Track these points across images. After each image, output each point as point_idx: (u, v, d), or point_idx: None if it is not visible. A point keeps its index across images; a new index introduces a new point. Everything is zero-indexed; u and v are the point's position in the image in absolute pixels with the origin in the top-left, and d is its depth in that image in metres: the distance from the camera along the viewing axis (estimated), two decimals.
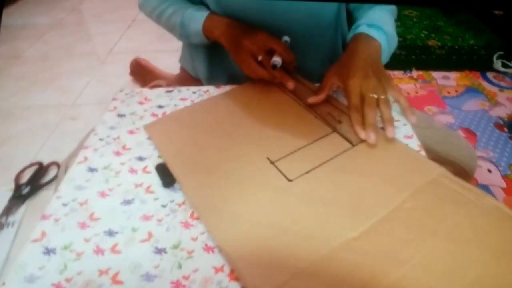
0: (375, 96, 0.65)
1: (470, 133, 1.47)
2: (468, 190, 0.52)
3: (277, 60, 0.71)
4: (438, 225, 0.49)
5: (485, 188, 1.25)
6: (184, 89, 0.79)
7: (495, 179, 1.29)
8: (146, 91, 0.79)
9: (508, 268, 0.44)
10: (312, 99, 0.71)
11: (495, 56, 1.85)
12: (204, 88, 0.79)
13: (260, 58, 0.72)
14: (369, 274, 0.44)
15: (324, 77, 0.73)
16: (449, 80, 1.77)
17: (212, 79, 0.91)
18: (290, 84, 0.73)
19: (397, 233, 0.48)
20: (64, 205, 0.55)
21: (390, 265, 0.45)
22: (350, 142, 0.62)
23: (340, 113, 0.69)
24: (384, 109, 0.64)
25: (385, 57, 0.74)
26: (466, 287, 0.42)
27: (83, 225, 0.52)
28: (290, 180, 0.56)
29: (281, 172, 0.57)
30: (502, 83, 1.74)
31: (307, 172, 0.57)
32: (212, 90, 0.78)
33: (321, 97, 0.71)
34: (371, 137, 0.61)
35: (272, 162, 0.59)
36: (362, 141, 0.62)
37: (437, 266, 0.44)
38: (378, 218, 0.50)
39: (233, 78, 0.87)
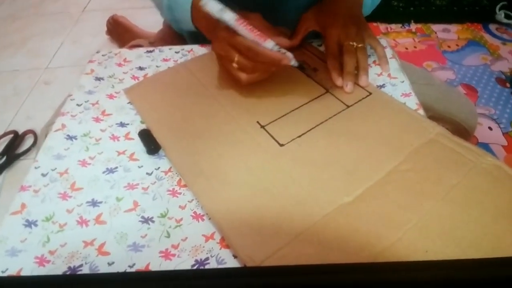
0: (354, 44, 0.66)
1: (471, 90, 1.47)
2: (467, 149, 0.53)
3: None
4: (436, 187, 0.49)
5: (486, 146, 1.27)
6: (166, 48, 0.78)
7: (496, 137, 1.31)
8: (125, 51, 0.78)
9: (507, 229, 0.45)
10: (285, 43, 0.69)
11: (498, 7, 1.83)
12: (187, 47, 0.78)
13: (234, 64, 0.60)
14: (364, 239, 0.45)
15: (299, 21, 0.72)
16: (449, 33, 1.76)
17: (197, 37, 0.89)
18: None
19: (393, 197, 0.49)
20: (43, 175, 0.55)
21: (385, 229, 0.45)
22: (326, 90, 0.64)
23: (316, 60, 0.70)
24: (361, 56, 0.66)
25: (366, 9, 0.75)
26: (463, 249, 0.43)
27: (64, 196, 0.52)
28: (281, 145, 0.56)
29: (272, 136, 0.57)
30: (505, 36, 1.74)
31: (299, 136, 0.57)
32: (196, 49, 0.77)
33: (295, 41, 0.71)
34: (348, 85, 0.63)
35: (262, 126, 0.59)
36: (337, 87, 0.64)
37: (434, 228, 0.45)
38: (373, 181, 0.50)
39: None
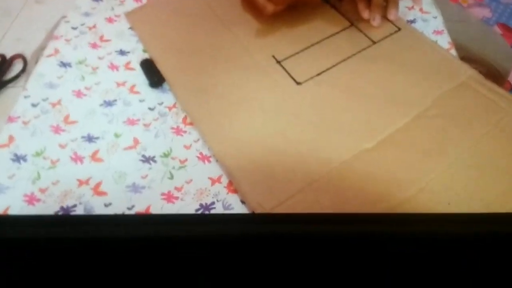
0: None
1: (508, 30, 1.44)
2: (500, 96, 0.52)
3: None
4: (464, 135, 0.48)
5: None
6: None
7: None
8: None
9: None
10: None
11: None
12: None
13: None
14: (383, 188, 0.44)
15: None
16: None
17: None
18: None
19: (417, 144, 0.48)
20: (34, 105, 0.54)
21: (407, 178, 0.45)
22: (351, 23, 0.61)
23: None
24: None
25: None
26: (488, 203, 0.43)
27: (57, 129, 0.51)
28: (298, 83, 0.54)
29: (288, 73, 0.55)
30: None
31: (318, 74, 0.55)
32: None
33: None
34: (376, 19, 0.60)
35: (278, 62, 0.57)
36: (363, 21, 0.61)
37: (459, 180, 0.44)
38: (397, 127, 0.49)
39: None
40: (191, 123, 0.52)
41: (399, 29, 0.60)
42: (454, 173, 0.45)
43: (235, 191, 0.46)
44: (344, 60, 0.57)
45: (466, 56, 0.71)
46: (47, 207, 0.44)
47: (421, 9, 0.65)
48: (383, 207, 0.43)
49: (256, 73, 0.56)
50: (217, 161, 0.48)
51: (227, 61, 0.57)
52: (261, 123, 0.50)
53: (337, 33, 0.60)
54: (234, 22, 0.62)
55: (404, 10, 0.65)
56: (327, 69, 0.56)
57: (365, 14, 0.61)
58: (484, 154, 0.47)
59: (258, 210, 0.43)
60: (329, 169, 0.46)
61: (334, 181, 0.45)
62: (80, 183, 0.46)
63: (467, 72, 0.54)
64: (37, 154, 0.49)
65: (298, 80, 0.54)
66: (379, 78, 0.55)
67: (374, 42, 0.59)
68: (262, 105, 0.52)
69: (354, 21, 0.61)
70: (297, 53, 0.58)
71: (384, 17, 0.61)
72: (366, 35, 0.60)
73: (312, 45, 0.59)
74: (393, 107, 0.51)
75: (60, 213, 0.44)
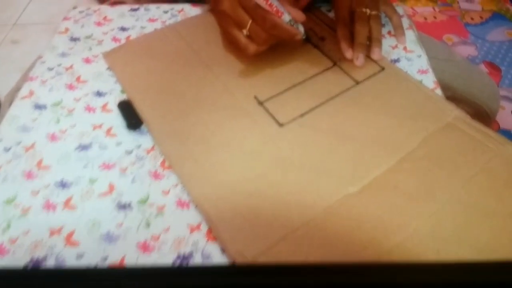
0: (368, 11, 0.64)
1: (494, 68, 1.47)
2: (487, 136, 0.52)
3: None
4: (451, 177, 0.49)
5: (508, 133, 1.27)
6: (153, 7, 0.76)
7: None
8: (105, 8, 0.76)
9: None
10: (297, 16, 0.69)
11: None
12: (178, 6, 0.76)
13: (245, 32, 0.57)
14: (369, 235, 0.44)
15: None
16: (473, 3, 1.74)
17: None
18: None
19: (404, 188, 0.48)
20: (6, 150, 0.54)
21: (394, 223, 0.45)
22: (334, 63, 0.63)
23: (324, 27, 0.69)
24: (375, 26, 0.64)
25: None
26: (479, 249, 0.43)
27: (29, 175, 0.51)
28: (281, 125, 0.55)
29: (270, 114, 0.56)
30: None
31: (301, 115, 0.56)
32: (188, 10, 0.75)
33: (299, 4, 0.68)
34: (359, 58, 0.62)
35: (260, 103, 0.58)
36: (346, 60, 0.62)
37: (448, 225, 0.45)
38: (383, 170, 0.50)
39: None
40: (169, 167, 0.52)
41: (383, 68, 0.62)
42: (442, 218, 0.45)
43: (215, 239, 0.45)
44: (327, 100, 0.58)
45: (452, 96, 0.73)
46: (16, 259, 0.44)
47: (405, 48, 0.67)
48: (370, 254, 0.43)
49: (237, 115, 0.56)
50: (196, 207, 0.48)
51: (207, 102, 0.58)
52: (242, 166, 0.51)
53: (320, 73, 0.62)
54: (215, 62, 0.63)
55: (387, 49, 0.66)
56: (310, 110, 0.56)
57: (348, 53, 0.62)
58: (472, 197, 0.47)
59: (239, 259, 0.42)
60: (313, 216, 0.46)
61: (318, 228, 0.45)
62: (52, 232, 0.46)
63: (453, 112, 0.55)
64: (8, 202, 0.48)
65: (281, 121, 0.55)
66: (363, 119, 0.55)
67: (357, 82, 0.60)
68: (243, 147, 0.52)
69: (337, 61, 0.63)
70: (280, 93, 0.59)
71: (368, 57, 0.63)
72: (349, 75, 0.61)
73: (295, 85, 0.60)
74: (378, 150, 0.52)
75: (30, 265, 0.43)
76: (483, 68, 1.46)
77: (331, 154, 0.52)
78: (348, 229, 0.45)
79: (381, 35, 0.64)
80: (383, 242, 0.44)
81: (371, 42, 0.63)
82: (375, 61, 0.63)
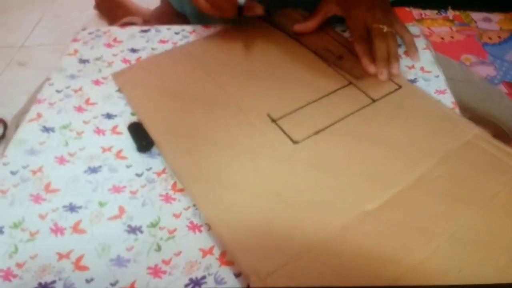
0: (384, 27, 0.65)
1: None
2: (509, 155, 0.52)
3: None
4: (472, 196, 0.48)
5: None
6: (164, 28, 0.77)
7: None
8: (115, 30, 0.77)
9: None
10: (299, 26, 0.71)
11: None
12: (189, 27, 0.77)
13: None
14: (388, 254, 0.44)
15: (319, 3, 0.72)
16: (491, 23, 1.75)
17: (202, 17, 0.88)
18: (259, 10, 0.70)
19: (423, 206, 0.48)
20: (13, 173, 0.54)
21: (413, 243, 0.45)
22: (349, 81, 0.63)
23: (341, 47, 0.69)
24: (392, 42, 0.65)
25: None
26: (502, 269, 0.42)
27: (37, 198, 0.51)
28: (295, 142, 0.55)
29: (284, 132, 0.56)
30: None
31: (316, 133, 0.56)
32: (199, 31, 0.76)
33: (310, 24, 0.71)
34: (383, 73, 0.62)
35: (274, 121, 0.58)
36: (366, 78, 0.63)
37: (469, 245, 0.44)
38: (401, 187, 0.49)
39: None
40: (181, 190, 0.52)
41: (400, 86, 0.62)
42: (463, 237, 0.45)
43: (228, 263, 0.45)
44: (343, 118, 0.57)
45: (471, 117, 0.73)
46: (24, 284, 0.44)
47: (422, 68, 0.67)
48: (389, 275, 0.42)
49: (250, 133, 0.56)
50: (208, 230, 0.47)
51: (219, 121, 0.58)
52: (255, 185, 0.50)
53: (335, 91, 0.62)
54: (227, 82, 0.64)
55: (404, 69, 0.67)
56: (325, 128, 0.56)
57: (371, 68, 0.63)
58: (494, 217, 0.46)
59: (252, 275, 0.42)
60: (330, 234, 0.45)
61: (335, 247, 0.44)
62: (60, 257, 0.46)
63: (473, 130, 0.55)
64: (15, 226, 0.48)
65: (295, 139, 0.55)
66: (380, 136, 0.55)
67: (373, 100, 0.60)
68: (257, 166, 0.52)
69: (352, 80, 0.63)
70: (294, 111, 0.59)
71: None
72: (365, 93, 0.61)
73: (309, 103, 0.60)
74: (396, 167, 0.52)
75: None
76: (502, 88, 1.45)
77: (347, 171, 0.51)
78: (365, 248, 0.44)
79: (398, 52, 0.65)
80: (402, 263, 0.43)
81: (389, 57, 0.64)
82: (392, 80, 0.63)
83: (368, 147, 0.54)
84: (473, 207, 0.47)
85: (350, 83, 0.63)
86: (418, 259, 0.43)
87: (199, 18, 0.88)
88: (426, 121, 0.57)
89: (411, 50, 0.68)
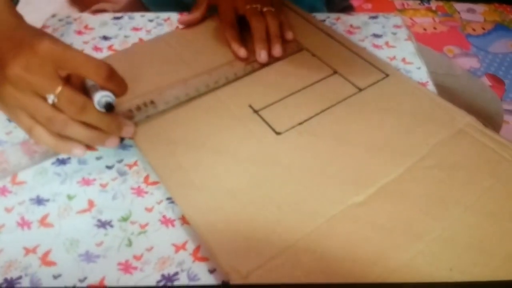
0: (259, 6, 0.65)
1: (497, 81, 1.48)
2: (502, 145, 0.52)
3: (106, 96, 0.48)
4: (464, 189, 0.48)
5: None
6: (137, 15, 0.76)
7: None
8: (86, 17, 0.76)
9: None
10: (183, 18, 0.71)
11: None
12: (164, 15, 0.76)
13: (52, 98, 0.45)
14: (376, 249, 0.43)
15: None
16: (475, 14, 1.76)
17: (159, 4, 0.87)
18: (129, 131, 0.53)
19: (413, 198, 0.47)
20: None
21: (402, 238, 0.44)
22: (335, 70, 0.63)
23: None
24: (271, 21, 0.65)
25: None
26: (495, 267, 0.42)
27: (3, 191, 0.50)
28: (278, 133, 0.54)
29: (267, 123, 0.56)
30: None
31: (300, 123, 0.55)
32: (174, 18, 0.75)
33: (193, 16, 0.71)
34: (261, 55, 0.62)
35: (255, 111, 0.57)
36: (348, 68, 0.63)
37: (461, 241, 0.44)
38: (389, 179, 0.49)
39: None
40: (153, 183, 0.51)
41: (387, 75, 0.61)
42: (455, 233, 0.44)
43: (202, 259, 0.44)
44: (328, 108, 0.57)
45: None
46: None
47: (403, 60, 0.67)
48: (378, 272, 0.42)
49: (230, 123, 0.56)
50: (182, 225, 0.47)
51: (198, 111, 0.57)
52: (236, 176, 0.50)
53: (320, 80, 0.61)
54: (205, 72, 0.62)
55: (386, 60, 0.66)
56: (310, 118, 0.56)
57: (241, 52, 0.63)
58: (487, 211, 0.46)
59: (233, 275, 0.41)
60: (315, 227, 0.45)
61: (320, 241, 0.44)
62: (27, 251, 0.45)
63: (465, 118, 0.55)
64: None
65: (278, 130, 0.54)
66: (367, 126, 0.55)
67: (360, 90, 0.59)
68: (238, 157, 0.52)
69: (337, 69, 0.62)
70: (276, 102, 0.58)
71: (370, 64, 0.63)
72: (351, 82, 0.60)
73: (293, 93, 0.59)
74: (384, 157, 0.51)
75: (3, 286, 0.42)
76: (485, 81, 1.47)
77: (333, 162, 0.51)
78: (352, 243, 0.44)
79: (279, 31, 0.65)
80: (391, 259, 0.42)
81: (269, 38, 0.64)
82: (378, 68, 0.62)
83: (354, 137, 0.54)
84: (466, 200, 0.47)
85: (336, 72, 0.62)
86: (408, 255, 0.43)
87: (157, 5, 0.86)
88: (415, 109, 0.57)
89: (283, 29, 0.67)
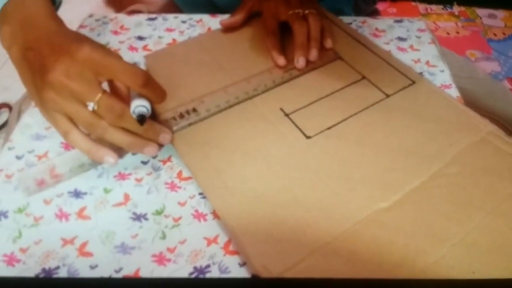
0: (300, 11, 0.64)
1: None
2: None
3: (141, 106, 0.47)
4: (486, 195, 0.48)
5: None
6: (170, 17, 0.77)
7: None
8: (122, 17, 0.77)
9: None
10: (225, 21, 0.70)
11: None
12: (196, 16, 0.77)
13: (92, 105, 0.45)
14: (401, 253, 0.43)
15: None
16: (495, 19, 1.75)
17: (193, 6, 0.87)
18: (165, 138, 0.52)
19: (437, 205, 0.47)
20: (18, 158, 0.54)
21: (427, 242, 0.44)
22: (363, 76, 0.62)
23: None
24: (313, 23, 0.64)
25: None
26: None
27: (42, 183, 0.50)
28: (308, 137, 0.54)
29: (297, 126, 0.56)
30: None
31: (329, 128, 0.55)
32: (207, 20, 0.76)
33: (234, 19, 0.70)
34: (299, 61, 0.62)
35: (286, 114, 0.57)
36: (376, 74, 0.62)
37: (483, 245, 0.44)
38: (414, 185, 0.49)
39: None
40: (186, 178, 0.51)
41: (414, 82, 0.61)
42: (477, 238, 0.44)
43: (232, 252, 0.45)
44: (356, 113, 0.57)
45: None
46: (28, 269, 0.43)
47: (427, 62, 0.67)
48: (402, 275, 0.42)
49: (262, 126, 0.56)
50: (213, 219, 0.47)
51: (232, 115, 0.57)
52: (267, 179, 0.50)
53: (348, 86, 0.61)
54: (239, 75, 0.63)
55: (410, 64, 0.66)
56: (338, 123, 0.56)
57: (280, 61, 0.62)
58: (509, 216, 0.46)
59: (264, 275, 0.41)
60: (342, 231, 0.45)
61: (348, 245, 0.44)
62: (65, 242, 0.46)
63: (487, 127, 0.55)
64: (19, 210, 0.48)
65: (308, 133, 0.55)
66: (393, 132, 0.55)
67: (387, 96, 0.59)
68: (269, 160, 0.52)
69: (366, 74, 0.62)
70: (307, 106, 0.58)
71: (396, 69, 0.62)
72: (379, 88, 0.60)
73: (322, 98, 0.59)
74: (410, 163, 0.51)
75: (41, 276, 0.43)
76: (506, 84, 1.45)
77: (360, 167, 0.51)
78: (378, 247, 0.44)
79: (319, 35, 0.64)
80: (416, 261, 0.43)
81: (309, 42, 0.63)
82: (405, 75, 0.62)
83: (381, 143, 0.54)
84: (488, 207, 0.47)
85: (364, 77, 0.63)
86: (431, 259, 0.43)
87: (191, 7, 0.87)
88: (440, 117, 0.57)
89: (324, 35, 0.67)
